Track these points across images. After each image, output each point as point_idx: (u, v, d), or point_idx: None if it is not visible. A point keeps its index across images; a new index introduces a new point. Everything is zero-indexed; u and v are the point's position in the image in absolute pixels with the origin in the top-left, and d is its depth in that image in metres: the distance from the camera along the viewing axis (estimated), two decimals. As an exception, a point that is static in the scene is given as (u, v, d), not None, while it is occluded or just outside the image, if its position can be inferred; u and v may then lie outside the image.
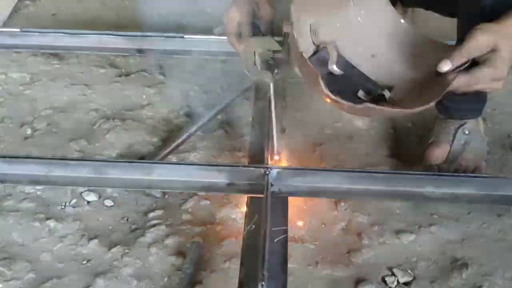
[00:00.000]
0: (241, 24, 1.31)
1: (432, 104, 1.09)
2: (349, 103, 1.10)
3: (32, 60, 1.93)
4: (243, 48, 1.31)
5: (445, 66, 1.08)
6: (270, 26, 1.31)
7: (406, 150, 1.63)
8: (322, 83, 1.08)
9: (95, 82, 1.86)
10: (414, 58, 1.23)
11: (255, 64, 1.30)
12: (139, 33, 1.96)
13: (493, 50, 1.08)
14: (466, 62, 1.09)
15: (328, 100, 1.11)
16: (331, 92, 1.08)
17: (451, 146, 1.51)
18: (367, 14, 1.26)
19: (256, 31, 1.32)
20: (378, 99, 1.18)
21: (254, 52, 1.29)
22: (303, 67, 1.14)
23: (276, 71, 1.29)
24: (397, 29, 1.26)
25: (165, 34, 1.96)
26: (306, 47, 1.20)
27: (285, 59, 1.30)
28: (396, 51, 1.25)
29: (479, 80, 1.09)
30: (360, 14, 1.26)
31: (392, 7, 1.27)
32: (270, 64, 1.28)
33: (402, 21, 1.26)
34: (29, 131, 1.68)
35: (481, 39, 1.07)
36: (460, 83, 1.09)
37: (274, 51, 1.29)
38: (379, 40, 1.26)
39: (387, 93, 1.19)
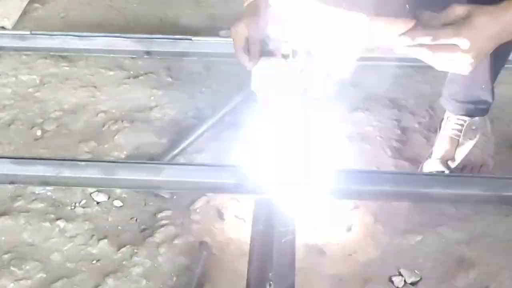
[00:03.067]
0: (250, 41, 1.31)
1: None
2: None
3: (41, 62, 1.94)
4: (251, 67, 1.31)
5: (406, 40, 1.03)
6: (279, 43, 1.32)
7: (413, 150, 1.63)
8: None
9: (103, 84, 1.87)
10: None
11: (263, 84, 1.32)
12: (147, 35, 1.98)
13: (466, 16, 1.01)
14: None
15: None
16: None
17: (458, 141, 1.52)
18: None
19: (264, 47, 1.33)
20: None
21: (263, 72, 1.30)
22: None
23: (283, 93, 1.31)
24: None
25: (173, 36, 1.98)
26: None
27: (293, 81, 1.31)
28: None
29: (440, 33, 1.01)
30: None
31: None
32: (278, 87, 1.30)
33: None
34: (39, 133, 1.69)
35: (457, 8, 1.02)
36: (420, 32, 1.02)
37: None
38: None
39: None
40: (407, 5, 1.09)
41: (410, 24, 1.05)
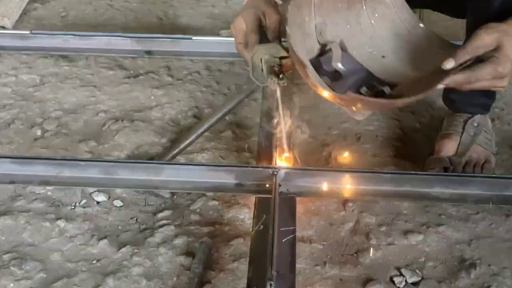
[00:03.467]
0: (247, 32, 1.32)
1: (417, 97, 1.11)
2: (336, 93, 1.13)
3: (41, 62, 1.94)
4: (250, 56, 1.32)
5: (449, 64, 1.09)
6: (277, 33, 1.32)
7: (414, 150, 1.63)
8: (310, 70, 1.11)
9: (104, 83, 1.87)
10: (422, 58, 1.23)
11: (262, 71, 1.31)
12: (147, 35, 1.98)
13: (497, 48, 1.08)
14: (469, 60, 1.09)
15: (321, 92, 1.14)
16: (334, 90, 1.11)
17: (461, 137, 1.52)
18: (381, 18, 1.27)
19: (264, 39, 1.33)
20: (379, 95, 1.19)
21: (261, 59, 1.30)
22: (299, 66, 1.16)
23: (282, 77, 1.30)
24: (412, 31, 1.27)
25: (173, 36, 1.98)
26: (311, 45, 1.22)
27: (292, 65, 1.31)
28: (406, 52, 1.26)
29: (480, 76, 1.09)
30: (374, 17, 1.27)
31: (410, 10, 1.28)
32: (276, 71, 1.29)
33: (421, 25, 1.27)
34: (39, 132, 1.69)
35: (486, 37, 1.08)
36: (460, 78, 1.10)
37: (281, 57, 1.30)
38: (391, 41, 1.27)
39: (387, 89, 1.21)
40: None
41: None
